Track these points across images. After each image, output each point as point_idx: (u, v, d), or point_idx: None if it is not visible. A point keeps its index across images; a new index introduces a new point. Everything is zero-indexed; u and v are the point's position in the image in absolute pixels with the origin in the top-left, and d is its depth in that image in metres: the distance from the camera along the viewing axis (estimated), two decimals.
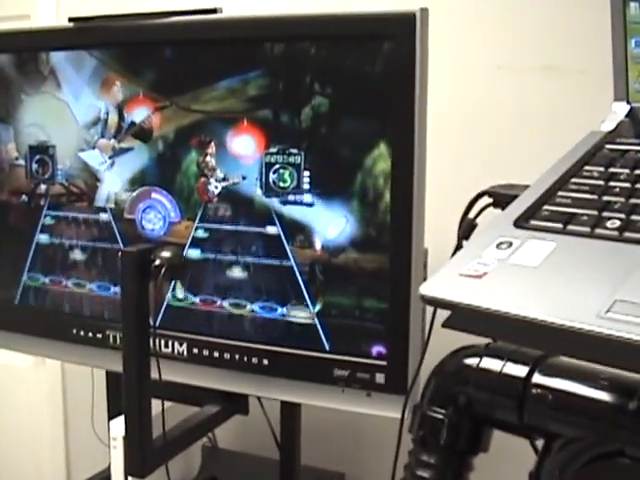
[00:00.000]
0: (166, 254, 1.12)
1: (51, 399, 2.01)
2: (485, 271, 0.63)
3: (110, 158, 1.32)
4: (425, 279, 1.19)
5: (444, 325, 0.62)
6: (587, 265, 0.62)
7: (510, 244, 0.66)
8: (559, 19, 1.37)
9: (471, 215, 0.92)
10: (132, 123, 1.29)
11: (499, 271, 0.63)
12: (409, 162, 1.11)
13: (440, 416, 0.90)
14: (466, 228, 0.89)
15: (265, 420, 1.46)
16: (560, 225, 0.68)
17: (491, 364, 0.87)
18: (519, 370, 0.85)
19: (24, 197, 1.42)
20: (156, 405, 1.20)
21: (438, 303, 0.61)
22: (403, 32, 1.09)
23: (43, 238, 1.41)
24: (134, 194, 1.31)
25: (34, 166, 1.40)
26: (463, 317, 0.60)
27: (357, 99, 1.14)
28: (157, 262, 1.11)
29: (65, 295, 1.40)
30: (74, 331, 1.38)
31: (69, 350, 1.40)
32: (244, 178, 1.22)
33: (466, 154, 1.47)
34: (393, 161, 1.12)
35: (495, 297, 0.60)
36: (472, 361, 0.89)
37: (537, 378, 0.83)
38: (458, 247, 0.88)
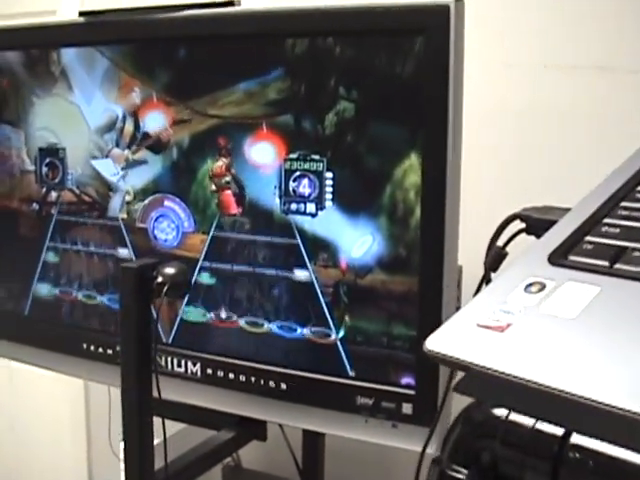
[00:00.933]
0: (169, 271, 1.03)
1: (73, 409, 1.97)
2: (509, 322, 0.50)
3: (123, 170, 1.24)
4: (459, 299, 1.09)
5: (455, 389, 0.50)
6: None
7: (542, 287, 0.53)
8: (611, 16, 1.25)
9: (500, 242, 0.81)
10: (146, 134, 1.21)
11: (526, 323, 0.50)
12: (441, 174, 1.00)
13: (461, 476, 0.78)
14: (494, 258, 0.78)
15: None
16: (606, 263, 0.54)
17: (523, 417, 0.74)
18: (556, 427, 0.70)
19: (34, 205, 1.35)
20: (171, 426, 1.12)
21: (447, 362, 0.49)
22: (436, 26, 0.98)
23: (53, 247, 1.33)
24: (146, 202, 1.23)
25: (44, 169, 1.32)
26: (478, 381, 0.48)
27: (385, 103, 1.04)
28: (159, 279, 1.02)
29: (75, 307, 1.33)
30: (84, 345, 1.30)
31: (78, 365, 1.32)
32: (262, 188, 1.13)
33: (505, 164, 1.36)
34: (424, 173, 1.02)
35: (519, 358, 0.48)
36: (501, 412, 0.76)
37: (577, 438, 0.69)
38: (485, 279, 0.77)
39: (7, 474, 2.10)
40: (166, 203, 1.21)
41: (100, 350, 1.28)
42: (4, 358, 1.42)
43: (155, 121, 1.20)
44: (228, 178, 1.15)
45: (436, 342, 0.50)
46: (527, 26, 1.33)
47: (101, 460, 1.92)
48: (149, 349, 1.05)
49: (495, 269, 0.78)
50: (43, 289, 1.36)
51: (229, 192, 1.15)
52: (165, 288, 1.02)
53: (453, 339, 0.50)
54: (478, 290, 0.82)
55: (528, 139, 1.35)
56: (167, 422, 1.17)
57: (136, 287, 1.02)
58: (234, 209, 1.15)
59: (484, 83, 1.30)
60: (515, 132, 1.35)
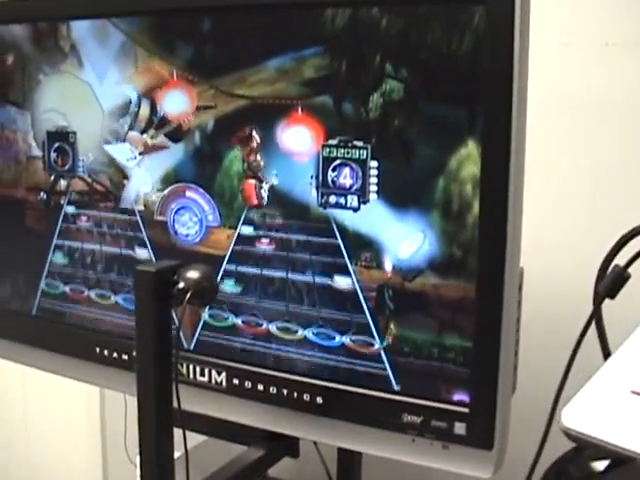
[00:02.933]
0: (192, 275, 0.90)
1: (88, 412, 1.88)
2: None
3: (140, 154, 1.11)
4: (520, 303, 0.97)
5: None
6: None
7: None
8: None
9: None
10: (165, 117, 1.08)
11: None
12: (504, 165, 0.87)
13: None
14: (614, 282, 0.64)
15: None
16: None
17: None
18: None
19: (42, 194, 1.23)
20: (193, 438, 1.02)
21: (593, 444, 0.35)
22: None
23: (62, 241, 1.21)
24: (166, 192, 1.11)
25: (52, 155, 1.20)
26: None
27: (439, 83, 0.91)
28: (181, 285, 0.90)
29: (87, 308, 1.21)
30: (97, 349, 1.18)
31: (90, 370, 1.21)
32: (297, 178, 1.00)
33: (570, 152, 1.23)
34: (484, 163, 0.89)
35: None
36: (602, 464, 0.62)
37: None
38: (598, 308, 0.64)
39: (21, 478, 1.99)
40: (188, 194, 1.09)
41: (115, 355, 1.17)
42: (9, 361, 1.31)
43: (176, 102, 1.07)
44: (258, 166, 1.02)
45: (578, 416, 0.37)
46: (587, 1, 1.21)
47: (117, 465, 1.81)
48: (168, 358, 0.93)
49: (613, 295, 0.64)
50: (51, 287, 1.24)
51: (259, 183, 1.03)
52: (188, 295, 0.89)
53: (601, 412, 0.36)
54: (589, 323, 0.69)
55: (589, 128, 1.22)
56: (188, 434, 1.06)
57: (154, 294, 0.89)
58: (264, 202, 1.03)
59: (538, 64, 1.17)
60: (570, 119, 1.23)
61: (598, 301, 0.64)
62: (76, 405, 1.86)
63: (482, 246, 0.90)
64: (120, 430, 1.51)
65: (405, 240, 0.95)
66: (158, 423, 0.93)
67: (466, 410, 0.94)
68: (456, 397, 0.95)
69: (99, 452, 1.88)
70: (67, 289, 1.23)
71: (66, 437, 1.92)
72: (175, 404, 0.94)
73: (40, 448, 1.97)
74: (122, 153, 1.13)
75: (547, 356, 1.21)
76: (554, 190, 1.25)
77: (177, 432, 0.97)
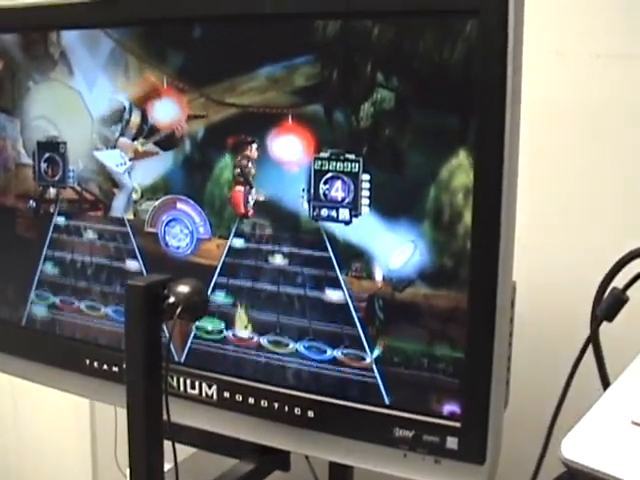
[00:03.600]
0: (183, 289, 0.89)
1: (78, 421, 1.86)
2: None
3: (131, 160, 1.10)
4: (512, 320, 0.95)
5: None
6: None
7: None
8: None
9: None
10: (155, 126, 1.07)
11: None
12: (497, 175, 0.86)
13: None
14: (611, 304, 0.62)
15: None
16: None
17: None
18: None
19: (32, 203, 1.21)
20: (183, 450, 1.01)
21: (594, 476, 0.34)
22: (492, 6, 0.84)
23: (52, 251, 1.20)
24: (156, 203, 1.09)
25: (42, 166, 1.19)
26: None
27: (431, 93, 0.90)
28: (171, 300, 0.89)
29: (77, 319, 1.19)
30: (87, 362, 1.17)
31: (80, 382, 1.19)
32: (288, 189, 0.99)
33: (564, 163, 1.22)
34: (476, 174, 0.88)
35: None
36: None
37: None
38: (595, 330, 0.62)
39: None
40: (179, 205, 1.07)
41: (105, 367, 1.15)
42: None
43: (166, 110, 1.06)
44: (248, 176, 1.01)
45: (578, 447, 0.35)
46: (581, 12, 1.20)
47: (107, 476, 1.79)
48: (158, 372, 0.91)
49: (611, 318, 0.62)
50: (41, 297, 1.23)
51: (249, 189, 1.01)
52: (178, 310, 0.88)
53: (601, 443, 0.34)
54: (586, 346, 0.68)
55: (582, 139, 1.21)
56: (179, 446, 1.05)
57: (144, 308, 0.88)
58: (254, 212, 1.01)
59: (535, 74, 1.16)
60: (563, 129, 1.22)
61: (596, 324, 0.63)
62: (66, 416, 1.84)
63: (474, 256, 0.89)
64: (110, 441, 1.49)
65: (395, 250, 0.93)
66: (148, 436, 0.92)
67: (458, 424, 0.92)
68: (447, 410, 0.93)
69: (89, 463, 1.86)
70: (57, 300, 1.21)
71: (56, 447, 1.90)
72: (165, 417, 0.93)
73: (31, 459, 1.95)
74: (112, 159, 1.12)
75: (540, 373, 1.21)
76: (547, 203, 1.23)
77: (167, 444, 0.96)
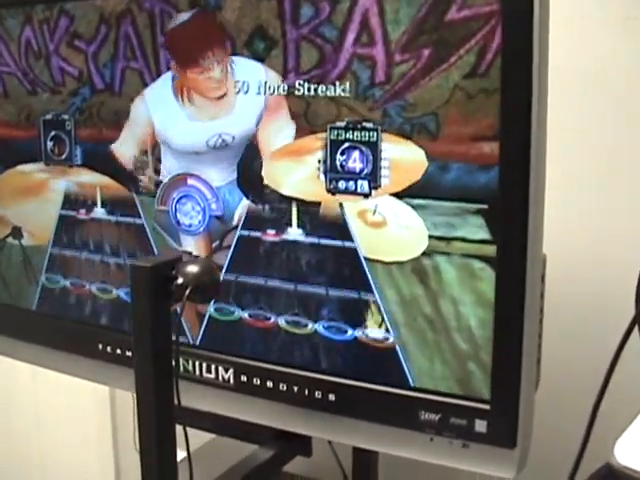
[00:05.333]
0: (192, 269, 0.84)
1: (98, 407, 1.84)
2: None
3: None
4: (542, 296, 0.90)
5: None
6: None
7: None
8: None
9: None
10: None
11: None
12: (524, 151, 0.81)
13: None
14: None
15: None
16: None
17: None
18: None
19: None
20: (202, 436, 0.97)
21: None
22: None
23: (61, 232, 1.16)
24: (166, 180, 1.05)
25: (49, 144, 1.15)
26: None
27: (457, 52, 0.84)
28: (180, 280, 0.84)
29: (89, 302, 1.16)
30: (99, 346, 1.13)
31: (93, 368, 1.16)
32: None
33: (593, 133, 1.16)
34: (502, 148, 0.82)
35: None
36: None
37: None
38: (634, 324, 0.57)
39: (34, 474, 1.96)
40: (190, 182, 1.03)
41: (118, 352, 1.11)
42: (9, 358, 1.26)
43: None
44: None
45: (634, 452, 0.30)
46: None
47: (129, 459, 1.77)
48: (168, 357, 0.87)
49: None
50: (52, 281, 1.19)
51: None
52: (187, 291, 0.83)
53: None
54: (630, 329, 0.63)
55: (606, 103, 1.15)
56: (197, 432, 1.02)
57: (151, 290, 0.83)
58: (269, 186, 0.97)
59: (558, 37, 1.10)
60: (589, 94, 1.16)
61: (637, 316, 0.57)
62: (86, 400, 1.82)
63: (502, 229, 0.84)
64: (130, 425, 1.46)
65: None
66: (158, 422, 0.87)
67: (487, 407, 0.88)
68: (476, 393, 0.88)
69: (110, 447, 1.84)
70: (68, 283, 1.18)
71: (77, 431, 1.88)
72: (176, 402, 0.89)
73: (52, 444, 1.93)
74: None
75: (574, 350, 1.16)
76: (579, 171, 1.18)
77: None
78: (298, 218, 0.95)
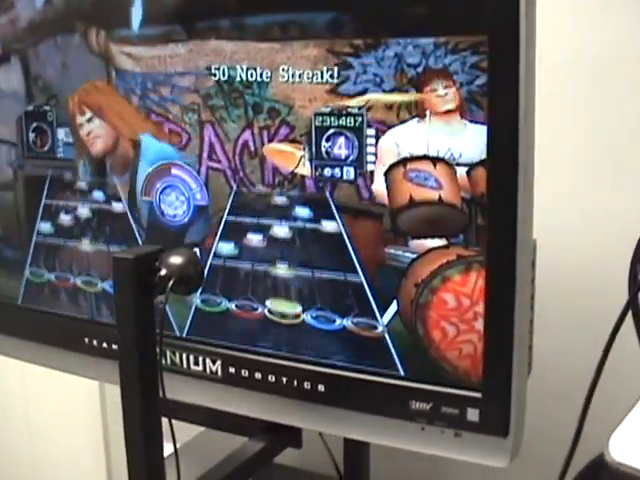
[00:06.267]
0: (175, 260, 0.82)
1: (89, 404, 1.82)
2: None
3: None
4: (533, 281, 0.89)
5: None
6: None
7: None
8: None
9: None
10: None
11: None
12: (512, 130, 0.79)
13: None
14: None
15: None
16: None
17: None
18: None
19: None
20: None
21: None
22: None
23: (45, 225, 1.14)
24: (150, 170, 1.03)
25: (30, 136, 1.12)
26: None
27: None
28: (163, 272, 0.82)
29: (74, 296, 1.14)
30: (86, 340, 1.11)
31: (80, 362, 1.14)
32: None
33: (585, 115, 1.14)
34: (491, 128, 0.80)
35: None
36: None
37: None
38: (634, 297, 0.55)
39: (25, 472, 1.94)
40: (174, 171, 1.01)
41: (105, 345, 1.10)
42: None
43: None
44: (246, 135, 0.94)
45: (629, 448, 0.28)
46: None
47: (120, 454, 1.75)
48: (152, 350, 0.85)
49: None
50: (36, 275, 1.17)
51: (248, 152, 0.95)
52: (170, 283, 0.81)
53: None
54: (624, 315, 0.61)
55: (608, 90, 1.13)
56: (185, 425, 1.00)
57: (134, 282, 0.82)
58: (254, 174, 0.95)
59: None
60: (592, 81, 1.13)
61: (634, 289, 0.55)
62: (77, 398, 1.80)
63: (491, 211, 0.82)
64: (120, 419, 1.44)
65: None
66: (144, 415, 0.86)
67: (479, 395, 0.86)
68: (467, 380, 0.87)
69: (101, 441, 1.83)
70: (52, 276, 1.16)
71: (68, 429, 1.87)
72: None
73: (43, 443, 1.92)
74: None
75: (564, 338, 1.14)
76: (574, 152, 1.16)
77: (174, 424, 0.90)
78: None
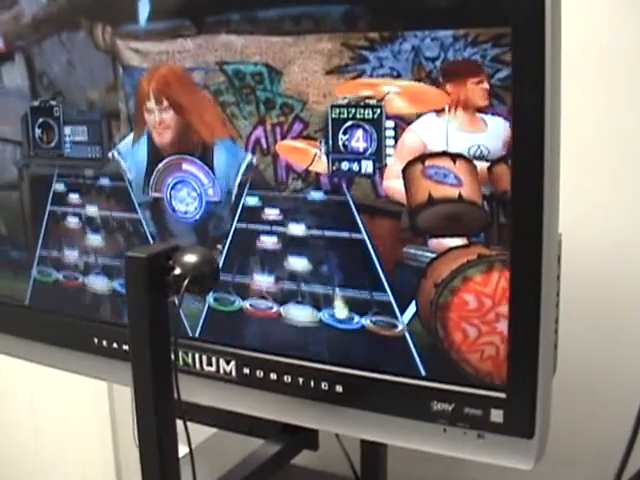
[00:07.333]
0: (190, 259, 0.80)
1: (97, 402, 1.80)
2: None
3: None
4: (558, 277, 0.87)
5: None
6: None
7: None
8: None
9: None
10: None
11: None
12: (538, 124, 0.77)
13: None
14: None
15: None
16: None
17: None
18: None
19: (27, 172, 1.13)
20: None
21: None
22: None
23: (52, 223, 1.12)
24: (160, 165, 1.01)
25: (37, 132, 1.10)
26: None
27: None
28: (177, 271, 0.80)
29: (82, 295, 1.12)
30: (95, 340, 1.09)
31: (89, 363, 1.12)
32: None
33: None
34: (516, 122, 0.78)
35: None
36: None
37: None
38: None
39: (31, 472, 1.93)
40: (185, 167, 0.99)
41: (115, 345, 1.07)
42: (2, 354, 1.22)
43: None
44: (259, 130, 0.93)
45: None
46: None
47: (129, 456, 1.73)
48: (166, 351, 0.83)
49: None
50: (44, 274, 1.15)
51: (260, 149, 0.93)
52: (185, 282, 0.79)
53: None
54: None
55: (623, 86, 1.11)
56: (200, 427, 0.98)
57: (146, 282, 0.79)
58: (267, 172, 0.93)
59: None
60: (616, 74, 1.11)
61: None
62: (85, 396, 1.79)
63: (515, 206, 0.80)
64: (129, 420, 1.43)
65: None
66: (158, 418, 0.84)
67: (503, 395, 0.84)
68: (491, 380, 0.85)
69: (110, 443, 1.81)
70: (60, 276, 1.13)
71: (76, 428, 1.85)
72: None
73: (51, 442, 1.90)
74: None
75: (589, 335, 1.12)
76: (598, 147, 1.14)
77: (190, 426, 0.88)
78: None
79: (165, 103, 0.97)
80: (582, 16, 1.09)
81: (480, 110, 0.81)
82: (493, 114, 0.80)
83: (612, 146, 1.13)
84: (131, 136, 1.02)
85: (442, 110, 0.83)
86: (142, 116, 1.00)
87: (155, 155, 1.01)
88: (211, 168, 0.97)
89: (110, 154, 1.05)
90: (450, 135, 0.83)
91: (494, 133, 0.80)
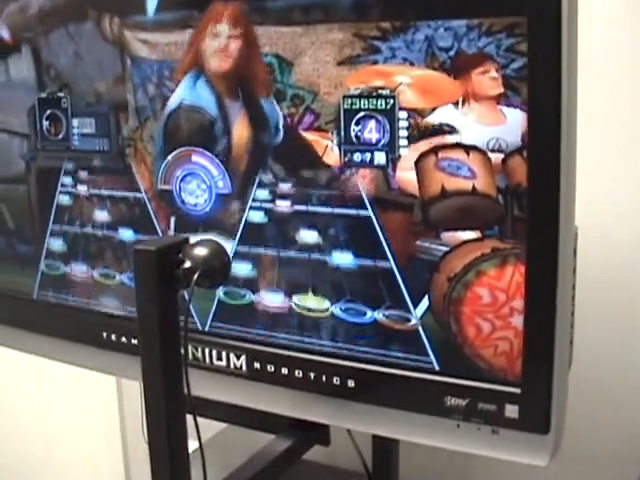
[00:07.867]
0: (200, 252, 0.79)
1: (105, 398, 1.80)
2: None
3: None
4: (574, 271, 0.85)
5: None
6: None
7: None
8: None
9: None
10: None
11: None
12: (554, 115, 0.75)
13: None
14: None
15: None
16: None
17: None
18: None
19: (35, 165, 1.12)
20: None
21: None
22: None
23: (60, 216, 1.11)
24: (169, 157, 1.00)
25: (44, 124, 1.09)
26: None
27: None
28: (187, 264, 0.79)
29: (91, 289, 1.11)
30: (104, 334, 1.08)
31: (98, 357, 1.11)
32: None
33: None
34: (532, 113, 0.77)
35: None
36: None
37: None
38: None
39: (40, 468, 1.92)
40: (194, 158, 0.98)
41: (123, 339, 1.06)
42: (10, 348, 1.21)
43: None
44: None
45: None
46: None
47: (137, 451, 1.73)
48: (176, 345, 0.82)
49: None
50: (52, 268, 1.14)
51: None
52: (195, 276, 0.78)
53: None
54: None
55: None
56: (210, 422, 0.97)
57: (156, 275, 0.78)
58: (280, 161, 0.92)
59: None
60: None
61: None
62: (93, 391, 1.78)
63: (532, 199, 0.78)
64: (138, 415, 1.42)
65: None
66: (168, 412, 0.82)
67: (518, 390, 0.83)
68: (506, 375, 0.83)
69: (118, 438, 1.81)
70: (68, 269, 1.12)
71: (84, 423, 1.84)
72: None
73: (59, 437, 1.89)
74: None
75: (605, 329, 1.11)
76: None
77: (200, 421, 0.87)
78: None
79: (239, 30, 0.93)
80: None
81: (497, 102, 0.79)
82: (510, 106, 0.79)
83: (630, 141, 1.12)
84: None
85: (457, 102, 0.81)
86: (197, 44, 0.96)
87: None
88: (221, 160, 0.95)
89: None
90: (463, 127, 0.81)
91: (513, 125, 0.79)
